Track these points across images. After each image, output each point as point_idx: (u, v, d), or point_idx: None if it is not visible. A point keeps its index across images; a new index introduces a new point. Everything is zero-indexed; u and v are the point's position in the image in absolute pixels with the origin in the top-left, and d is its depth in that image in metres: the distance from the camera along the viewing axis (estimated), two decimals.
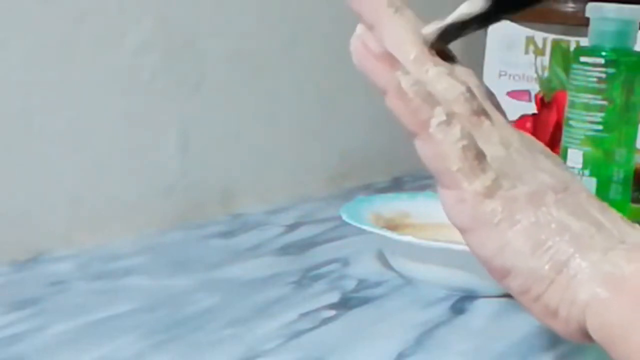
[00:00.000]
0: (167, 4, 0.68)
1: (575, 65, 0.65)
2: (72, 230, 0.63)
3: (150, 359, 0.45)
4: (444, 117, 0.39)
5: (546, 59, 0.89)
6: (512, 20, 0.91)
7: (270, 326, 0.50)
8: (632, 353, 0.35)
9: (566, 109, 0.66)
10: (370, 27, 0.42)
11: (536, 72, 0.89)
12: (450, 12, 0.42)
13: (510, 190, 0.39)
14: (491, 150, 0.40)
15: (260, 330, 0.49)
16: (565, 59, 0.86)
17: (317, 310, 0.53)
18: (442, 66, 0.42)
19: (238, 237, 0.69)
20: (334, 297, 0.56)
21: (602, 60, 0.63)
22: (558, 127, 0.76)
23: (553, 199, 0.39)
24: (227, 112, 0.76)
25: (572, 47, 0.87)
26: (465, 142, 0.40)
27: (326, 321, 0.51)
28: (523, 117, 0.85)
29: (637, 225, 0.39)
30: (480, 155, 0.40)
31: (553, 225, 0.38)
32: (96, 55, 0.63)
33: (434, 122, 0.39)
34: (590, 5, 0.66)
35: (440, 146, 0.39)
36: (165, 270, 0.59)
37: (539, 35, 0.90)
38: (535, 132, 0.83)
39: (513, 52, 0.90)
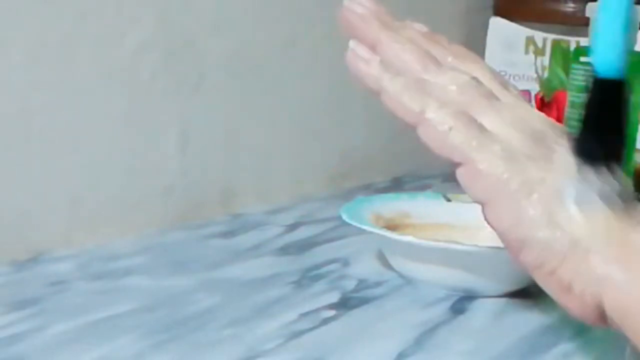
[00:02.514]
0: (167, 4, 0.68)
1: (575, 65, 0.65)
2: (72, 230, 0.63)
3: (150, 359, 0.45)
4: (437, 104, 0.41)
5: (546, 59, 0.89)
6: (512, 20, 0.91)
7: (270, 326, 0.50)
8: None
9: (566, 109, 0.66)
10: (371, 48, 0.45)
11: (536, 72, 0.89)
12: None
13: (524, 163, 0.40)
14: (505, 129, 0.41)
15: (260, 330, 0.49)
16: (565, 59, 0.86)
17: (317, 310, 0.53)
18: (445, 62, 0.44)
19: (238, 237, 0.69)
20: (334, 297, 0.56)
21: None
22: None
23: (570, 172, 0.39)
24: (227, 112, 0.76)
25: (572, 47, 0.87)
26: (465, 118, 0.41)
27: (326, 321, 0.51)
28: None
29: None
30: (482, 129, 0.41)
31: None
32: (96, 55, 0.63)
33: (429, 109, 0.41)
34: (590, 5, 0.66)
35: (441, 126, 0.41)
36: (165, 270, 0.59)
37: (539, 35, 0.89)
38: None
39: (513, 52, 0.90)
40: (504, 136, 0.41)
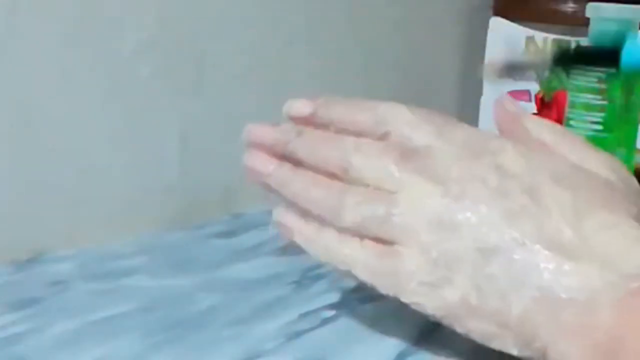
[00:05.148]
0: (167, 4, 0.68)
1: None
2: (72, 230, 0.63)
3: (150, 359, 0.45)
4: (335, 233, 0.44)
5: None
6: (512, 20, 0.91)
7: (270, 326, 0.50)
8: None
9: (566, 109, 0.66)
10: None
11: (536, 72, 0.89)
12: None
13: (428, 253, 0.40)
14: (412, 238, 0.41)
15: (260, 330, 0.49)
16: None
17: (317, 310, 0.53)
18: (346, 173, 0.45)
19: (238, 237, 0.69)
20: (334, 297, 0.56)
21: None
22: None
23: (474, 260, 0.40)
24: (227, 112, 0.76)
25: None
26: (379, 261, 0.43)
27: (326, 321, 0.51)
28: None
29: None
30: (395, 256, 0.42)
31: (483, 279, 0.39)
32: (96, 55, 0.63)
33: (331, 243, 0.44)
34: (590, 5, 0.66)
35: (348, 254, 0.43)
36: (165, 270, 0.59)
37: (539, 35, 0.89)
38: None
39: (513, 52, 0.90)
40: (412, 255, 0.41)
